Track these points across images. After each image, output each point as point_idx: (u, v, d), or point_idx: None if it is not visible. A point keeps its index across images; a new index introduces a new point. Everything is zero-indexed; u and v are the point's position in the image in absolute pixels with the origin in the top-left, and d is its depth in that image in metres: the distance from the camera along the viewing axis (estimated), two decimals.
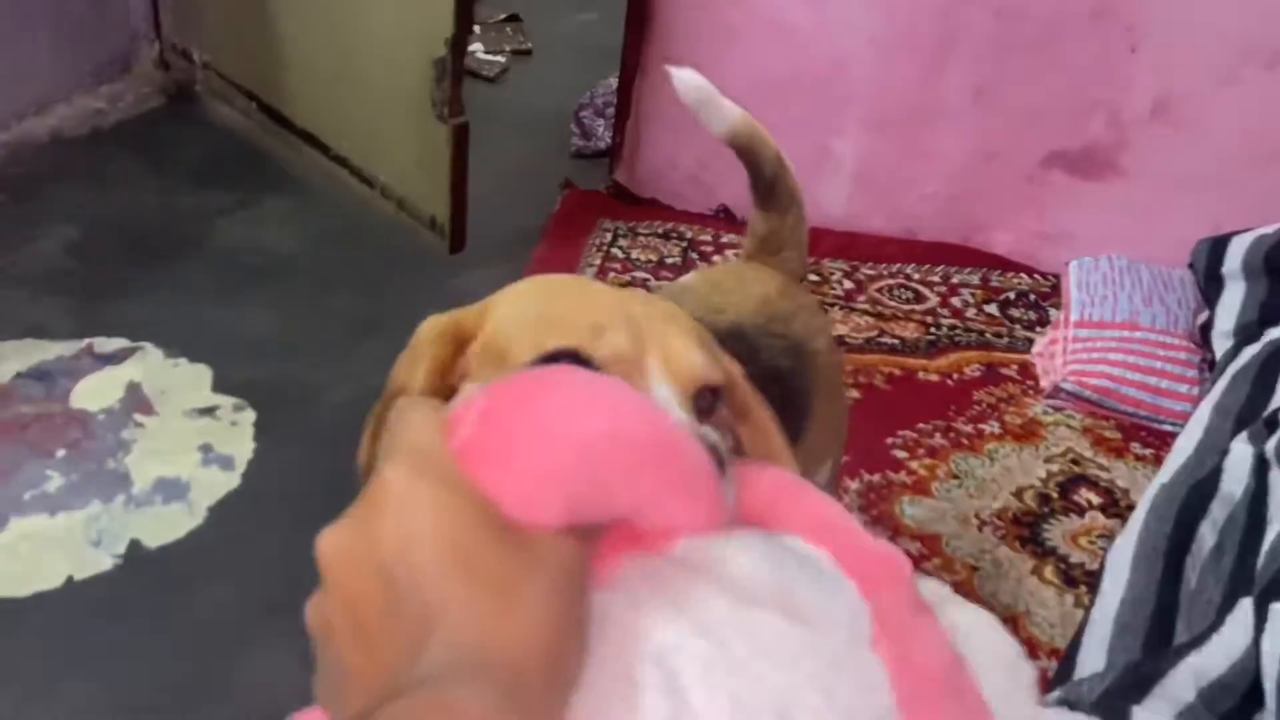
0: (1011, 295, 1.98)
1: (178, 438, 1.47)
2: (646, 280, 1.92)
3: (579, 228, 2.07)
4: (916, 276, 2.01)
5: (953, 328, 1.87)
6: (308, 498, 1.40)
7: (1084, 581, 1.34)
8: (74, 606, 1.22)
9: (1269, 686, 0.93)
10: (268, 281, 1.83)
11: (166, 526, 1.33)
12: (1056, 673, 1.19)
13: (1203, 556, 1.19)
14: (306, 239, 1.97)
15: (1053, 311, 1.91)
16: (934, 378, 1.73)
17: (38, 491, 1.36)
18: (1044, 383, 1.72)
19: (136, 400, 1.53)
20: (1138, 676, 1.00)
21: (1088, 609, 1.22)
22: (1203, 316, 1.75)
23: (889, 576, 0.42)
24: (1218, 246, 1.77)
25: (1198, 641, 1.01)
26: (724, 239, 2.08)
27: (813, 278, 1.97)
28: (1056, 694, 1.05)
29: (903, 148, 2.03)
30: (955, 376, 1.73)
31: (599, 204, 2.16)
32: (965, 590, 1.32)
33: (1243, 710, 0.96)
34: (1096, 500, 1.49)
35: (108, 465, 1.41)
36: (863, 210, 2.09)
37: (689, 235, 2.09)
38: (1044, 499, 1.48)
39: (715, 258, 2.02)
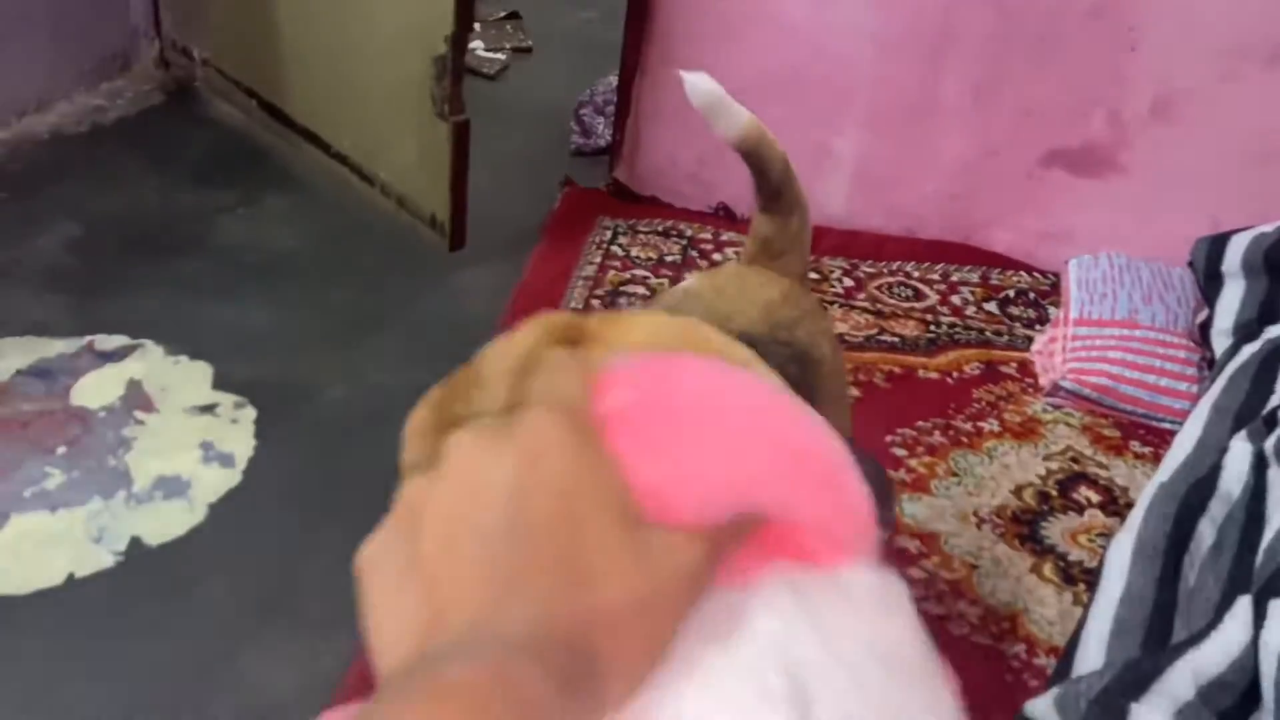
0: (1011, 293, 1.98)
1: (178, 435, 1.47)
2: (646, 278, 1.92)
3: (579, 225, 2.07)
4: (916, 274, 2.01)
5: (952, 326, 1.87)
6: (308, 495, 1.40)
7: (1083, 579, 1.34)
8: (74, 604, 1.22)
9: (1267, 684, 0.93)
10: (268, 279, 1.83)
11: (167, 524, 1.33)
12: (1055, 670, 1.19)
13: (1201, 554, 1.19)
14: (307, 236, 1.97)
15: (1052, 309, 1.91)
16: (933, 375, 1.73)
17: (38, 488, 1.36)
18: (1043, 381, 1.72)
19: (137, 397, 1.53)
20: (1137, 674, 1.01)
21: (1086, 607, 1.23)
22: (1202, 315, 1.75)
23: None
24: (1217, 245, 1.77)
25: (1197, 639, 1.01)
26: (724, 237, 2.08)
27: (812, 275, 1.97)
28: (1055, 692, 1.05)
29: (902, 146, 2.03)
30: (955, 374, 1.74)
31: (599, 202, 2.16)
32: (964, 588, 1.33)
33: (1242, 708, 0.96)
34: (1096, 498, 1.49)
35: (108, 462, 1.41)
36: (862, 208, 2.09)
37: (689, 233, 2.09)
38: (1043, 497, 1.48)
39: (715, 255, 2.02)
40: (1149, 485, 1.33)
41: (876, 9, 1.89)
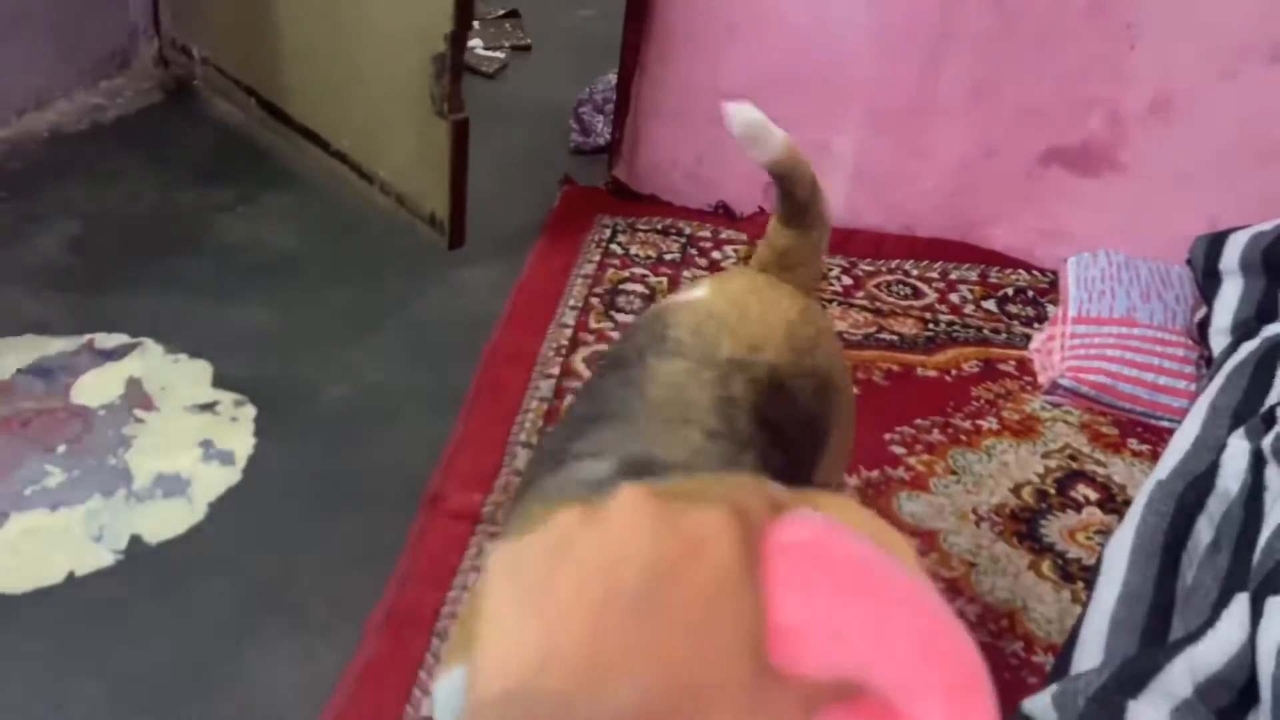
0: (1009, 291, 1.98)
1: (178, 433, 1.47)
2: (645, 276, 1.92)
3: (578, 224, 2.08)
4: (915, 273, 2.01)
5: (951, 324, 1.87)
6: (308, 493, 1.41)
7: (1081, 577, 1.34)
8: (74, 602, 1.22)
9: (1265, 681, 0.93)
10: (267, 277, 1.83)
11: (167, 522, 1.33)
12: (1053, 668, 1.19)
13: (1199, 552, 1.19)
14: (306, 235, 1.97)
15: (1051, 307, 1.92)
16: (932, 374, 1.73)
17: (38, 487, 1.36)
18: (1042, 379, 1.72)
19: (137, 396, 1.53)
20: (1134, 672, 1.01)
21: (1084, 604, 1.23)
22: (1200, 313, 1.75)
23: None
24: (1216, 243, 1.78)
25: (1194, 637, 1.01)
26: (723, 235, 2.08)
27: None
28: (1053, 689, 1.05)
29: (901, 144, 2.03)
30: (953, 372, 1.74)
31: (598, 200, 2.17)
32: (962, 586, 1.33)
33: (1239, 705, 0.96)
34: (1094, 496, 1.49)
35: (108, 461, 1.41)
36: (861, 206, 2.09)
37: (688, 231, 2.09)
38: (1041, 495, 1.48)
39: (714, 253, 2.02)
40: (1147, 483, 1.33)
41: (875, 7, 1.89)
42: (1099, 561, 1.27)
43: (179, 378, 1.58)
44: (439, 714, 0.63)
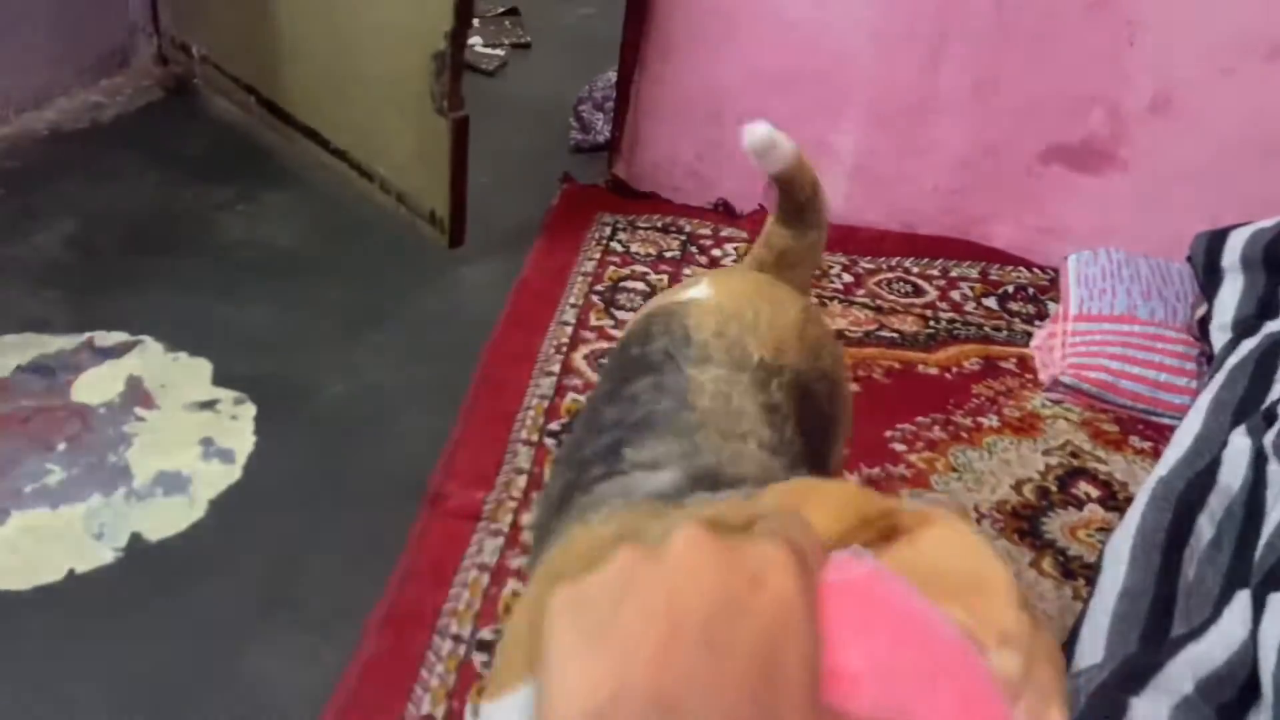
0: (1010, 289, 1.98)
1: (178, 431, 1.47)
2: (646, 274, 1.92)
3: (578, 221, 2.08)
4: (915, 270, 2.01)
5: (952, 321, 1.87)
6: (308, 491, 1.41)
7: (1082, 574, 1.34)
8: (75, 599, 1.22)
9: (1266, 678, 0.93)
10: (267, 275, 1.83)
11: (167, 520, 1.33)
12: None
13: (1200, 549, 1.19)
14: (306, 233, 1.97)
15: (1051, 305, 1.92)
16: (933, 371, 1.73)
17: (39, 485, 1.36)
18: (1043, 376, 1.72)
19: (137, 394, 1.53)
20: (1135, 668, 1.01)
21: (1086, 601, 1.23)
22: (1201, 310, 1.75)
23: None
24: (1216, 240, 1.77)
25: (1195, 633, 1.01)
26: (723, 232, 2.08)
27: (812, 272, 1.97)
28: None
29: (902, 142, 2.03)
30: (954, 370, 1.74)
31: (598, 198, 2.17)
32: None
33: (1240, 702, 0.96)
34: (1095, 493, 1.49)
35: (108, 459, 1.41)
36: (862, 204, 2.09)
37: (688, 229, 2.09)
38: (1043, 492, 1.48)
39: (714, 251, 2.02)
40: (1148, 480, 1.33)
41: (876, 5, 1.89)
42: (1100, 558, 1.26)
43: (179, 376, 1.58)
44: None
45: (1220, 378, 1.49)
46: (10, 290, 1.72)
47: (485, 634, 1.20)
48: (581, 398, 1.58)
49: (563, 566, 0.69)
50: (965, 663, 0.38)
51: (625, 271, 1.93)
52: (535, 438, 1.50)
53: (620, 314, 1.79)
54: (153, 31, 2.46)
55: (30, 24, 2.18)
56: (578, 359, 1.67)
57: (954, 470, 1.51)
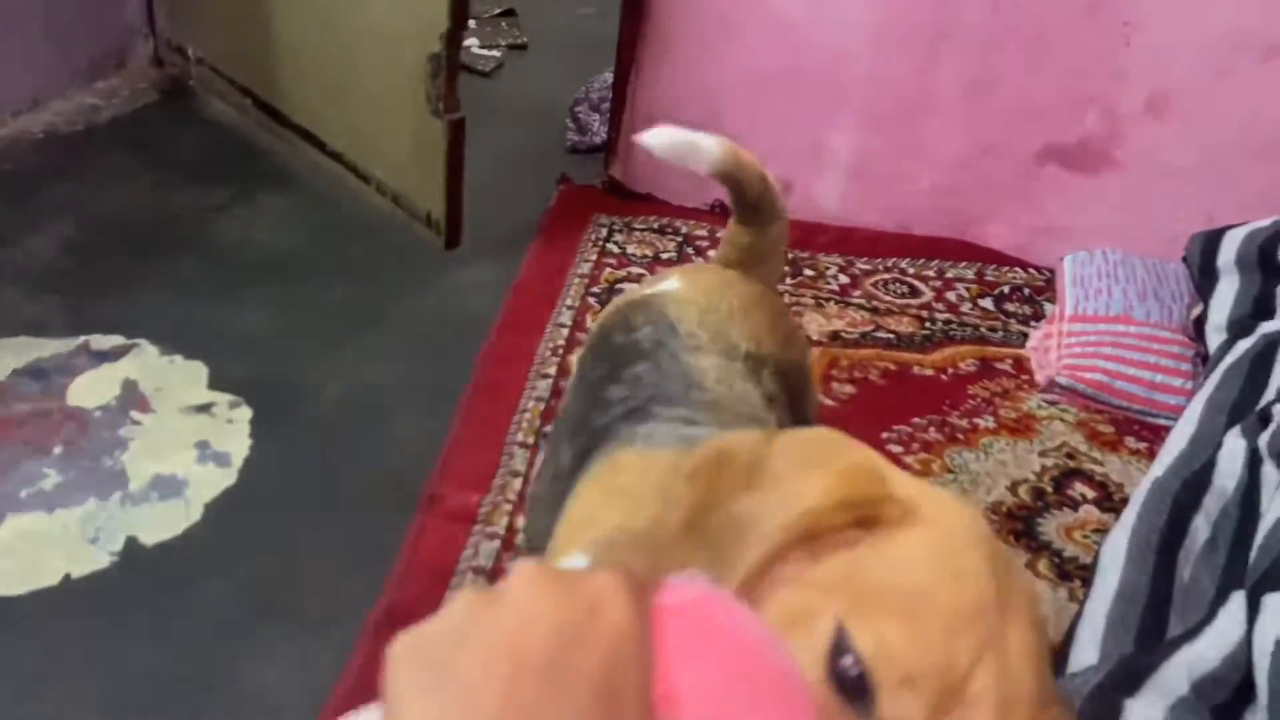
0: (1006, 290, 1.98)
1: (174, 435, 1.47)
2: (642, 275, 1.92)
3: (574, 223, 2.07)
4: (911, 271, 2.01)
5: (948, 322, 1.87)
6: (305, 494, 1.41)
7: (1078, 575, 1.35)
8: (71, 604, 1.22)
9: (1261, 679, 0.93)
10: (263, 278, 1.83)
11: (163, 523, 1.33)
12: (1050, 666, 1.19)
13: (1196, 550, 1.19)
14: (302, 235, 1.97)
15: (1047, 306, 1.92)
16: (929, 372, 1.73)
17: (34, 489, 1.36)
18: (1038, 377, 1.72)
19: (133, 397, 1.53)
20: (1131, 669, 1.01)
21: (1081, 602, 1.23)
22: (1197, 310, 1.75)
23: None
24: (1212, 240, 1.77)
25: (1191, 634, 1.01)
26: (719, 234, 2.07)
27: (808, 272, 1.97)
28: None
29: (898, 142, 2.03)
30: (950, 371, 1.74)
31: (594, 199, 2.16)
32: None
33: (1235, 702, 0.96)
34: (1091, 494, 1.49)
35: (104, 463, 1.41)
36: (858, 205, 2.09)
37: (684, 230, 2.09)
38: (1038, 493, 1.48)
39: (711, 252, 2.02)
40: (1144, 481, 1.33)
41: (872, 6, 1.89)
42: (1096, 559, 1.26)
43: (175, 379, 1.57)
44: None
45: (1215, 378, 1.49)
46: (5, 293, 1.72)
47: None
48: None
49: (626, 472, 0.73)
50: (788, 692, 0.39)
51: (622, 273, 1.93)
52: (531, 440, 1.50)
53: None
54: (148, 34, 2.45)
55: (25, 26, 2.17)
56: (574, 361, 1.67)
57: (950, 472, 1.51)
